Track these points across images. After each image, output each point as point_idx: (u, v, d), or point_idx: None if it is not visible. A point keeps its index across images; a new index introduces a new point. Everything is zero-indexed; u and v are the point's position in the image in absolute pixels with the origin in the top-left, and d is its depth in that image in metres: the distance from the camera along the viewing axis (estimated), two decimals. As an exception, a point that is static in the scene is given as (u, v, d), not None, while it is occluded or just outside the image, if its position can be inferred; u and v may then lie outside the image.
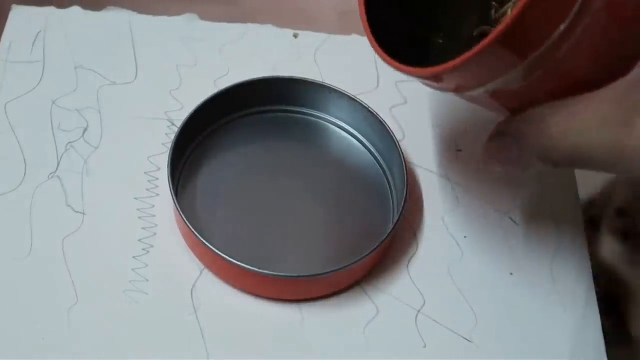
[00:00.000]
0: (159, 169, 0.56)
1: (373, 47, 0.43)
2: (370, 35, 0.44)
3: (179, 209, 0.51)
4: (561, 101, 0.37)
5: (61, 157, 0.56)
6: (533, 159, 0.39)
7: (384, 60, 0.42)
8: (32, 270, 0.51)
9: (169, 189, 0.52)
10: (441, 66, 0.38)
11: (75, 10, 0.64)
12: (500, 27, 0.36)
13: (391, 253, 0.54)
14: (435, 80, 0.40)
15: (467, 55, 0.37)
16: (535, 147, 0.38)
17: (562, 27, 0.37)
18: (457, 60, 0.37)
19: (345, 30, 0.65)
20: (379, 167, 0.57)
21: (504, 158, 0.40)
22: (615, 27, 0.38)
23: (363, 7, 0.45)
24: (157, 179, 0.56)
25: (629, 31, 0.39)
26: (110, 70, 0.61)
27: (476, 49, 0.37)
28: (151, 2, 0.76)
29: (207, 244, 0.49)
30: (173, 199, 0.51)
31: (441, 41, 0.49)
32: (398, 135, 0.56)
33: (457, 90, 0.41)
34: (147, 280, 0.51)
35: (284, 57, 0.63)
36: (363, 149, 0.58)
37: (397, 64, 0.42)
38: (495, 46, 0.36)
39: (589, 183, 0.71)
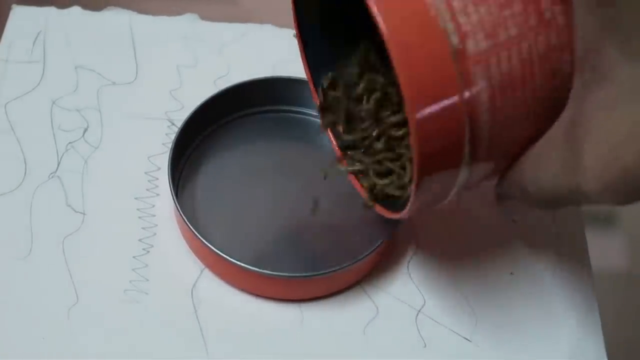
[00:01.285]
0: (159, 168, 0.56)
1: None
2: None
3: (179, 208, 0.51)
4: (522, 161, 0.41)
5: (61, 157, 0.56)
6: (528, 206, 0.43)
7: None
8: (32, 270, 0.51)
9: (169, 189, 0.52)
10: (403, 212, 0.44)
11: (76, 10, 0.64)
12: (414, 177, 0.40)
13: (391, 253, 0.54)
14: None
15: (410, 203, 0.42)
16: (525, 202, 0.42)
17: (466, 144, 0.39)
18: (407, 210, 0.43)
19: (345, 30, 0.65)
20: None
21: (505, 209, 0.47)
22: (513, 106, 0.40)
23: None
24: (157, 178, 0.56)
25: (526, 106, 0.40)
26: (111, 70, 0.61)
27: (411, 197, 0.41)
28: (151, 2, 0.76)
29: (207, 243, 0.49)
30: (173, 198, 0.51)
31: None
32: (398, 135, 0.56)
33: (439, 201, 0.44)
34: (147, 280, 0.51)
35: (284, 57, 0.63)
36: (363, 148, 0.58)
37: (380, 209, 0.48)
38: (421, 185, 0.40)
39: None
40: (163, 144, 0.57)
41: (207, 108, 0.56)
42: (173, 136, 0.54)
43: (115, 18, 0.64)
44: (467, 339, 0.51)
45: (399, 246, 0.54)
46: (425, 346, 0.50)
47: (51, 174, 0.55)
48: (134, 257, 0.52)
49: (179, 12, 0.65)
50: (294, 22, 0.49)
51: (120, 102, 0.59)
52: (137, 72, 0.61)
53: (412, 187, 0.40)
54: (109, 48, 0.62)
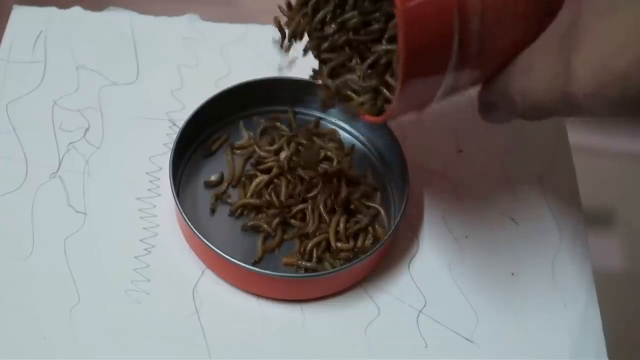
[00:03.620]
0: (160, 169, 0.56)
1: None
2: None
3: (181, 209, 0.51)
4: (511, 64, 0.40)
5: (62, 157, 0.56)
6: (511, 116, 0.43)
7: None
8: (34, 270, 0.51)
9: (170, 189, 0.52)
10: (385, 115, 0.43)
11: (76, 10, 0.64)
12: (399, 70, 0.38)
13: (392, 253, 0.54)
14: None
15: (395, 99, 0.40)
16: (508, 109, 0.41)
17: (455, 41, 0.38)
18: (390, 110, 0.41)
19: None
20: (379, 167, 0.57)
21: (491, 119, 0.44)
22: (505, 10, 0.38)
23: None
24: (159, 179, 0.56)
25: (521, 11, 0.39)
26: (112, 70, 0.61)
27: (396, 92, 0.39)
28: (152, 2, 0.76)
29: (208, 244, 0.49)
30: (174, 199, 0.51)
31: None
32: (399, 135, 0.56)
33: (423, 105, 0.43)
34: (149, 280, 0.51)
35: (285, 58, 0.63)
36: (364, 148, 0.58)
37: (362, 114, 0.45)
38: (407, 80, 0.38)
39: (590, 183, 0.71)
40: (164, 144, 0.57)
41: (208, 108, 0.56)
42: (174, 136, 0.54)
43: (116, 18, 0.64)
44: (468, 339, 0.51)
45: (400, 247, 0.54)
46: (426, 346, 0.50)
47: (52, 174, 0.55)
48: (135, 257, 0.52)
49: (179, 13, 0.65)
50: None
51: (122, 102, 0.59)
52: (138, 72, 0.61)
53: (398, 81, 0.39)
54: (110, 48, 0.62)
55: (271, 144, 0.56)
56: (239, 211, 0.54)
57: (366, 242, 0.53)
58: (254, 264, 0.51)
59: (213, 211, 0.54)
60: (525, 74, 0.39)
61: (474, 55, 0.39)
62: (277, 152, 0.56)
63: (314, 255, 0.52)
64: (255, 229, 0.53)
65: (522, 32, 0.39)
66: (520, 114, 0.40)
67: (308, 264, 0.51)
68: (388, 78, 0.44)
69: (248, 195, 0.54)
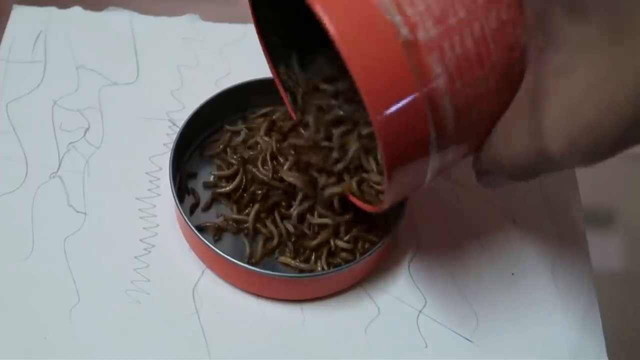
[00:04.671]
0: (160, 169, 0.56)
1: None
2: None
3: (181, 209, 0.51)
4: (493, 132, 0.41)
5: (62, 157, 0.56)
6: (504, 181, 0.44)
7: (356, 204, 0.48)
8: (34, 270, 0.51)
9: (170, 189, 0.52)
10: (380, 205, 0.45)
11: (77, 10, 0.64)
12: (384, 174, 0.40)
13: (392, 253, 0.54)
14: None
15: (385, 196, 0.42)
16: (500, 174, 0.42)
17: (432, 133, 0.39)
18: (385, 201, 0.43)
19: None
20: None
21: (488, 184, 0.46)
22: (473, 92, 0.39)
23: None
24: (159, 179, 0.56)
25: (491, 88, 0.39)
26: (112, 70, 0.61)
27: (385, 191, 0.41)
28: (152, 2, 0.76)
29: (208, 244, 0.49)
30: (174, 199, 0.51)
31: None
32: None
33: (417, 187, 0.44)
34: (149, 280, 0.51)
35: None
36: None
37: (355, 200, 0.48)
38: (392, 180, 0.40)
39: (590, 183, 0.71)
40: (164, 144, 0.57)
41: (208, 108, 0.56)
42: (174, 136, 0.54)
43: (116, 18, 0.64)
44: (468, 339, 0.51)
45: (400, 247, 0.54)
46: (426, 346, 0.50)
47: (52, 174, 0.55)
48: (135, 257, 0.52)
49: (180, 13, 0.65)
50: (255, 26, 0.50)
51: (122, 102, 0.59)
52: (138, 72, 0.61)
53: (385, 182, 0.40)
54: (110, 48, 0.62)
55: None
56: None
57: (366, 243, 0.53)
58: (253, 264, 0.51)
59: (208, 205, 0.54)
60: (505, 140, 0.40)
61: (452, 137, 0.40)
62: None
63: (313, 256, 0.52)
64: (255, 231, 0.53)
65: (496, 104, 0.40)
66: (512, 176, 0.41)
67: (305, 265, 0.51)
68: (365, 175, 0.47)
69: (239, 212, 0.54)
